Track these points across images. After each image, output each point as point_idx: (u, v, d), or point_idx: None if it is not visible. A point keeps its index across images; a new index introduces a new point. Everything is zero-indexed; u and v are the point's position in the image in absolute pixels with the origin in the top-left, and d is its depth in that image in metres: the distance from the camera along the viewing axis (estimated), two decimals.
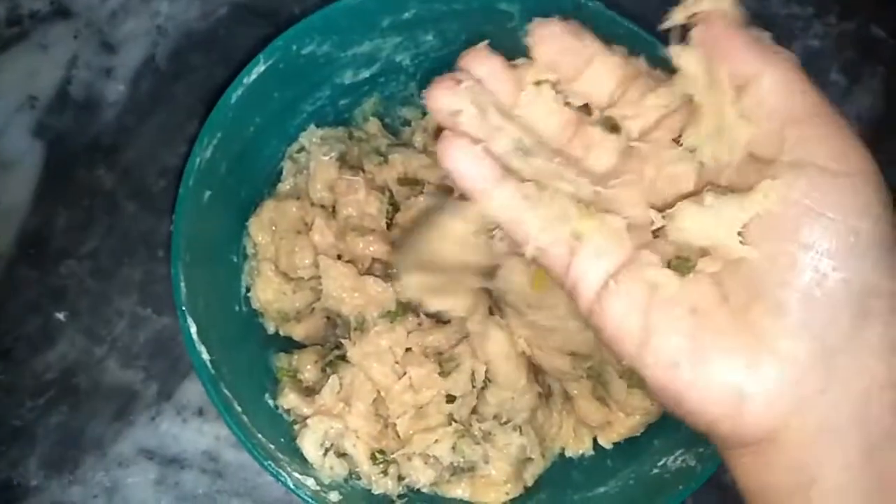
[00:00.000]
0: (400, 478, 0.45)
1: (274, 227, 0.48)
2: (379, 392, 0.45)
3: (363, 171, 0.49)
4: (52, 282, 0.52)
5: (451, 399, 0.45)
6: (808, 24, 0.60)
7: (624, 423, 0.47)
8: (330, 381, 0.44)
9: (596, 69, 0.31)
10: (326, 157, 0.48)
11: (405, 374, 0.44)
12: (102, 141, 0.55)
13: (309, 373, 0.46)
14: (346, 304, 0.46)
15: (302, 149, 0.50)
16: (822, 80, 0.59)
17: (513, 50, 0.50)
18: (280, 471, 0.40)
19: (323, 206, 0.49)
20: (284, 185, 0.50)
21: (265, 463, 0.40)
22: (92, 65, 0.56)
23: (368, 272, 0.48)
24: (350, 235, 0.47)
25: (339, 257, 0.48)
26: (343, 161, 0.49)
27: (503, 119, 0.30)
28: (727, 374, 0.25)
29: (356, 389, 0.44)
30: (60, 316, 0.52)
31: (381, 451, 0.44)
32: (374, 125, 0.52)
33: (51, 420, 0.50)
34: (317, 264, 0.47)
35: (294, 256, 0.47)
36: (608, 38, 0.46)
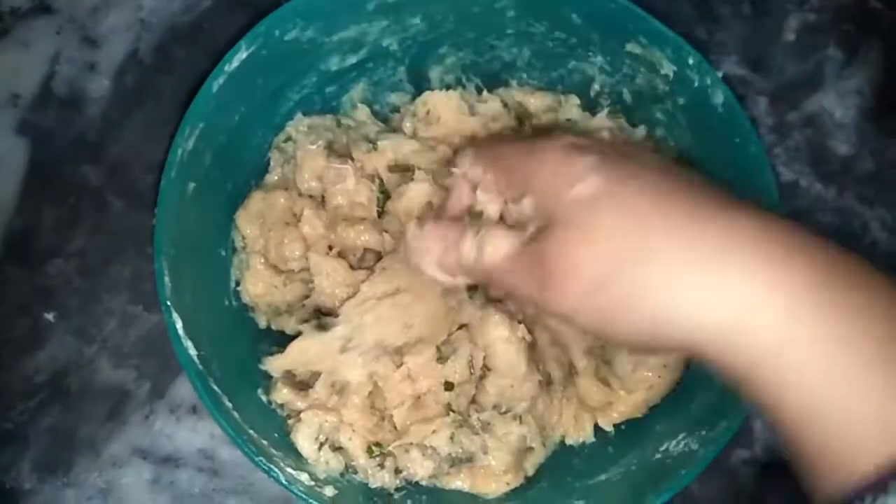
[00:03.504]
0: (397, 471, 0.44)
1: (262, 220, 0.47)
2: (375, 382, 0.44)
3: (352, 159, 0.48)
4: (40, 282, 0.51)
5: (449, 386, 0.44)
6: None
7: (626, 401, 0.46)
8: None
9: None
10: (313, 146, 0.47)
11: (402, 363, 0.44)
12: (87, 137, 0.54)
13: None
14: (338, 300, 0.45)
15: (289, 138, 0.49)
16: (820, 54, 0.58)
17: (500, 32, 0.49)
18: (272, 467, 0.40)
19: (311, 197, 0.48)
20: (272, 176, 0.49)
21: (256, 459, 0.39)
22: (75, 60, 0.55)
23: (361, 262, 0.47)
24: (341, 225, 0.46)
25: (329, 248, 0.47)
26: (331, 149, 0.48)
27: None
28: None
29: (351, 381, 0.43)
30: (49, 316, 0.51)
31: (378, 444, 0.43)
32: (362, 112, 0.51)
33: (43, 422, 0.50)
34: (307, 256, 0.46)
35: (284, 248, 0.46)
36: (596, 16, 0.45)
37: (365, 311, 0.44)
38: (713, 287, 0.29)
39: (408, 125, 0.50)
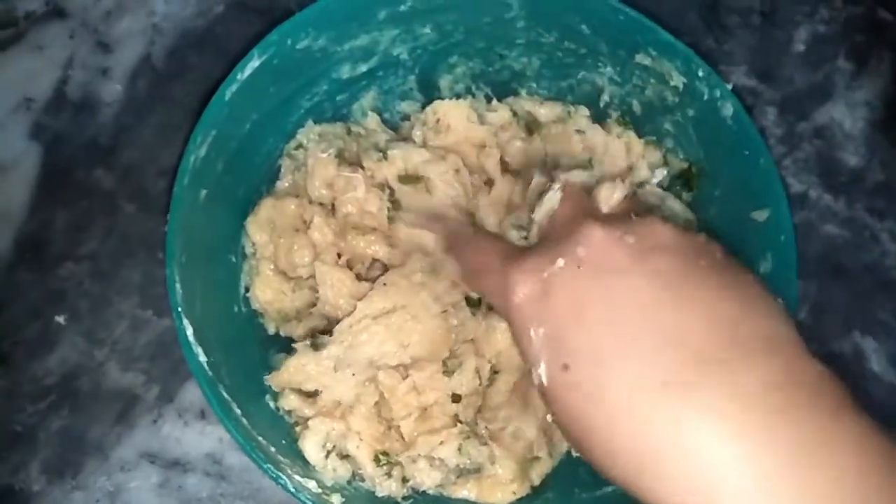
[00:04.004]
0: (405, 479, 0.44)
1: (272, 226, 0.47)
2: (382, 393, 0.44)
3: (362, 167, 0.48)
4: (52, 285, 0.52)
5: (456, 399, 0.44)
6: (815, 9, 0.59)
7: None
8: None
9: None
10: (324, 154, 0.47)
11: (408, 375, 0.44)
12: (100, 141, 0.54)
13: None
14: (343, 311, 0.45)
15: (300, 146, 0.49)
16: (830, 65, 0.58)
17: (510, 42, 0.49)
18: (280, 474, 0.40)
19: (322, 204, 0.48)
20: (283, 183, 0.49)
21: (265, 466, 0.39)
22: (88, 65, 0.56)
23: (369, 272, 0.47)
24: (351, 234, 0.47)
25: (339, 256, 0.47)
26: (342, 158, 0.48)
27: None
28: None
29: (359, 391, 0.43)
30: (60, 319, 0.51)
31: (385, 453, 0.44)
32: (372, 120, 0.51)
33: (52, 425, 0.50)
34: (315, 265, 0.46)
35: (293, 255, 0.46)
36: (605, 27, 0.45)
37: (359, 331, 0.44)
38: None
39: (417, 134, 0.51)
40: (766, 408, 0.24)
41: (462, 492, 0.45)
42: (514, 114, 0.51)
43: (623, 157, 0.50)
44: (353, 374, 0.43)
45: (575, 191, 0.34)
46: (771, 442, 0.23)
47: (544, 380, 0.27)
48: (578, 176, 0.36)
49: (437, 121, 0.50)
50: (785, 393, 0.24)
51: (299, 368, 0.43)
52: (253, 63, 0.43)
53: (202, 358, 0.40)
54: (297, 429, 0.44)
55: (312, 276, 0.46)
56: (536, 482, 0.45)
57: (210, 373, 0.40)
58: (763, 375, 0.24)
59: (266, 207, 0.47)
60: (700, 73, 0.45)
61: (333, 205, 0.48)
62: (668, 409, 0.24)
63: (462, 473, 0.44)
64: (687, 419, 0.24)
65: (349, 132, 0.50)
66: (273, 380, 0.44)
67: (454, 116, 0.50)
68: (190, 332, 0.40)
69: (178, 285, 0.40)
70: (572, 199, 0.33)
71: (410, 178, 0.48)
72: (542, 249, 0.30)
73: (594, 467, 0.27)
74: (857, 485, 0.23)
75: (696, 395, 0.24)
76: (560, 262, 0.28)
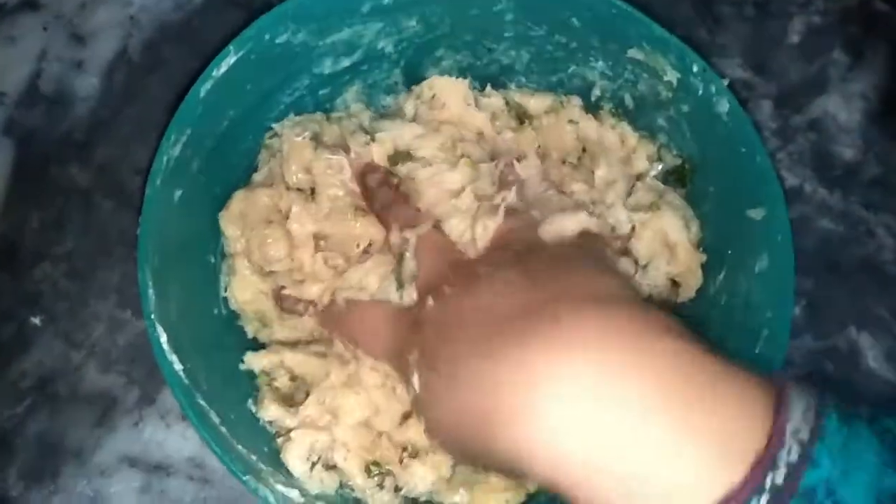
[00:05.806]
0: (397, 489, 0.43)
1: (244, 219, 0.45)
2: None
3: (347, 151, 0.46)
4: (26, 286, 0.50)
5: None
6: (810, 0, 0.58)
7: None
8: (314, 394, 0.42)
9: None
10: (299, 138, 0.45)
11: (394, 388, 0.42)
12: (75, 137, 0.53)
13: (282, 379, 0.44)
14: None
15: (275, 134, 0.47)
16: (825, 57, 0.57)
17: (498, 35, 0.48)
18: (260, 485, 0.38)
19: (300, 190, 0.46)
20: (259, 175, 0.47)
21: (244, 478, 0.38)
22: (62, 58, 0.54)
23: (365, 253, 0.45)
24: (337, 218, 0.45)
25: (317, 244, 0.45)
26: (319, 141, 0.46)
27: None
28: None
29: (343, 407, 0.42)
30: (36, 321, 0.50)
31: (376, 463, 0.42)
32: (357, 107, 0.49)
33: (29, 429, 0.49)
34: (291, 256, 0.44)
35: (267, 248, 0.44)
36: (597, 20, 0.44)
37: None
38: None
39: (409, 107, 0.49)
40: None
41: (455, 498, 0.43)
42: (507, 103, 0.50)
43: (618, 148, 0.49)
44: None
45: (432, 241, 0.39)
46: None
47: (417, 387, 0.34)
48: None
49: (433, 96, 0.48)
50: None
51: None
52: (229, 59, 0.42)
53: (177, 366, 0.38)
54: (279, 440, 0.42)
55: (288, 271, 0.45)
56: (531, 489, 0.44)
57: (186, 381, 0.39)
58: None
59: (237, 200, 0.45)
60: (694, 69, 0.43)
61: (313, 190, 0.46)
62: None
63: (454, 482, 0.43)
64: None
65: (328, 119, 0.48)
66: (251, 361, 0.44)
67: (451, 95, 0.48)
68: (164, 339, 0.38)
69: (150, 291, 0.39)
70: (431, 252, 0.39)
71: (401, 157, 0.46)
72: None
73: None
74: (675, 392, 0.26)
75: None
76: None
